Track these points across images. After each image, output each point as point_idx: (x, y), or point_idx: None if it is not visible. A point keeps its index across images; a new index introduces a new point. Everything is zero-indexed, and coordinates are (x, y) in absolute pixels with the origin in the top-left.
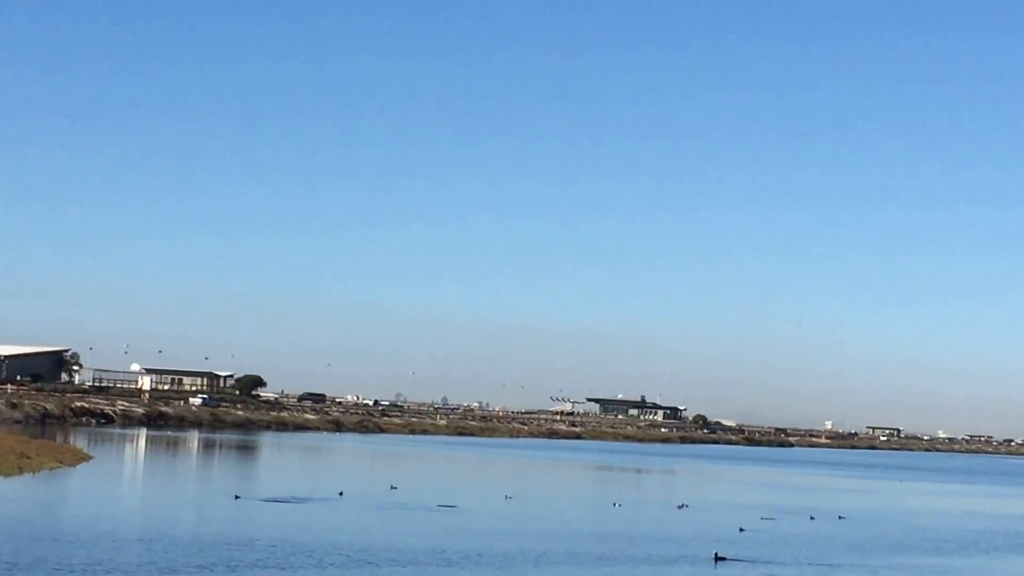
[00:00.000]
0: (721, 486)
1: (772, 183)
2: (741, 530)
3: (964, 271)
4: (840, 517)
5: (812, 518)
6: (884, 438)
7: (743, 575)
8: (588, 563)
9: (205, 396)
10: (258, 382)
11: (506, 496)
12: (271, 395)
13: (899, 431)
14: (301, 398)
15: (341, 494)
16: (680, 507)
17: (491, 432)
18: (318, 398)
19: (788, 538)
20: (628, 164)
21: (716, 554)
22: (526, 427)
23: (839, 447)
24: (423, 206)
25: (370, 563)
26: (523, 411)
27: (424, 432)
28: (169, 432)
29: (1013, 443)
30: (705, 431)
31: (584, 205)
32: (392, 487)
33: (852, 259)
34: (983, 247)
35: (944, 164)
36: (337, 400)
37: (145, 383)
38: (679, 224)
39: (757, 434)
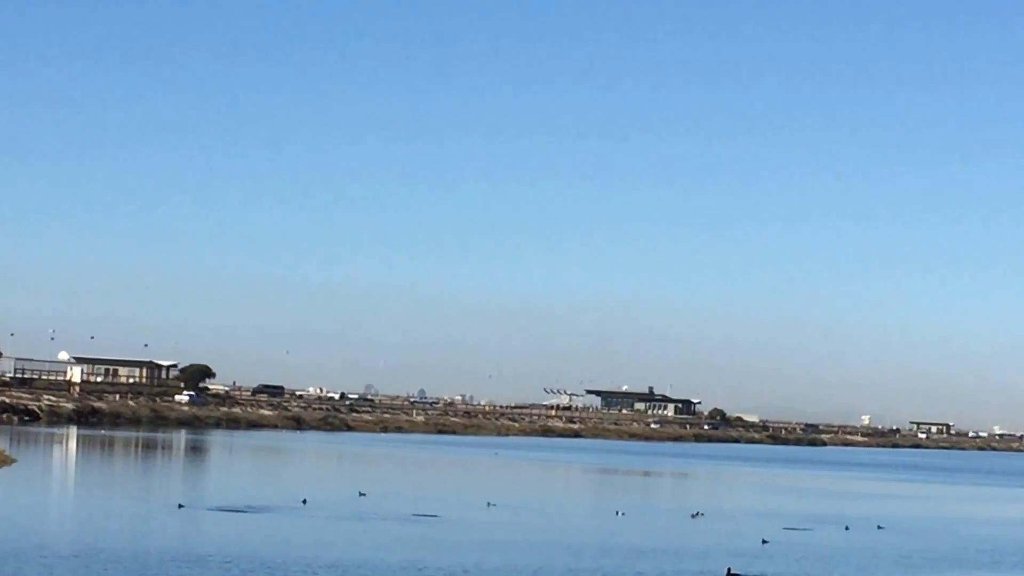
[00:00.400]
0: (742, 491)
1: (800, 140)
2: (764, 542)
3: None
4: (879, 527)
5: (847, 528)
6: (931, 435)
7: None
8: None
9: (192, 394)
10: (206, 373)
11: (488, 503)
12: (221, 388)
13: (949, 427)
14: (256, 391)
15: (304, 502)
16: (694, 516)
17: (476, 430)
18: (275, 391)
19: (818, 551)
20: (633, 119)
21: (729, 570)
22: (516, 424)
23: (878, 446)
24: (396, 170)
25: None
26: (513, 405)
27: (398, 430)
28: (103, 431)
29: None
30: (723, 428)
31: (582, 167)
32: (360, 494)
33: (895, 228)
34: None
35: (1006, 112)
36: (298, 393)
37: (75, 374)
38: (694, 189)
39: (784, 431)
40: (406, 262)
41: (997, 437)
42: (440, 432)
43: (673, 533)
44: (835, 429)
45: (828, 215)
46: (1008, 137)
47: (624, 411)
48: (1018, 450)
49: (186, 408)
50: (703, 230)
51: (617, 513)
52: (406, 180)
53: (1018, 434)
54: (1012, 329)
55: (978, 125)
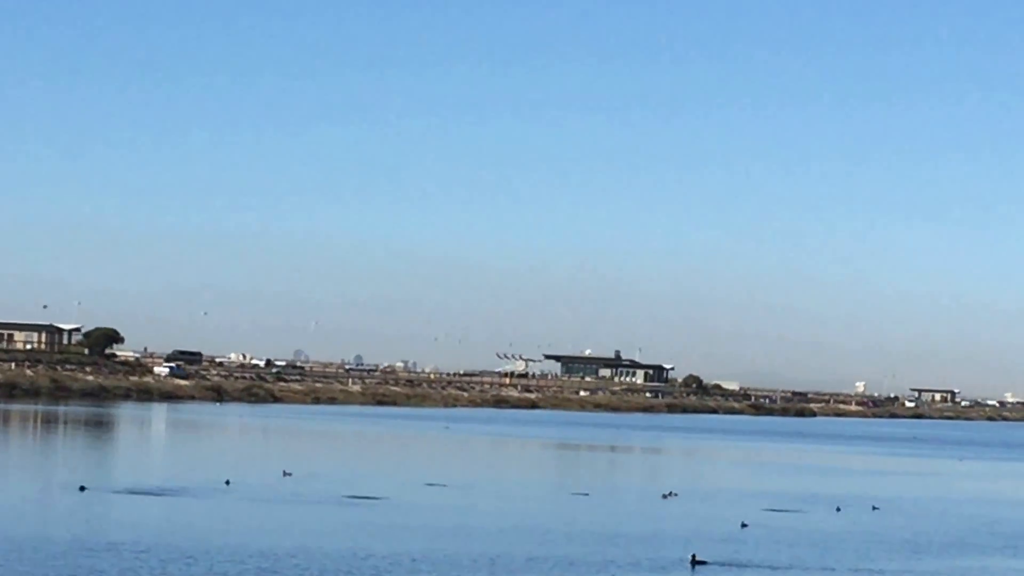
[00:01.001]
0: (720, 469)
1: (781, 69)
2: (743, 526)
3: None
4: (874, 508)
5: (838, 509)
6: (934, 404)
7: None
8: (541, 569)
9: (172, 365)
10: (113, 337)
11: (431, 484)
12: (131, 354)
13: (954, 394)
14: (170, 358)
15: (228, 483)
16: (666, 496)
17: (420, 400)
18: (193, 358)
19: (805, 536)
20: (593, 48)
21: (693, 557)
22: (466, 393)
23: (875, 416)
24: (325, 108)
25: (273, 572)
26: (462, 373)
27: (332, 401)
28: None
29: None
30: (699, 397)
31: (537, 105)
32: (284, 473)
33: (893, 171)
34: None
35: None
36: (218, 360)
37: None
38: (662, 125)
39: (767, 400)
40: (339, 211)
41: (1009, 406)
42: (379, 403)
43: (641, 516)
44: (826, 397)
45: (817, 156)
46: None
47: (587, 378)
48: None
49: (91, 378)
50: (674, 175)
51: (577, 495)
52: (334, 121)
53: None
54: None
55: (989, 62)
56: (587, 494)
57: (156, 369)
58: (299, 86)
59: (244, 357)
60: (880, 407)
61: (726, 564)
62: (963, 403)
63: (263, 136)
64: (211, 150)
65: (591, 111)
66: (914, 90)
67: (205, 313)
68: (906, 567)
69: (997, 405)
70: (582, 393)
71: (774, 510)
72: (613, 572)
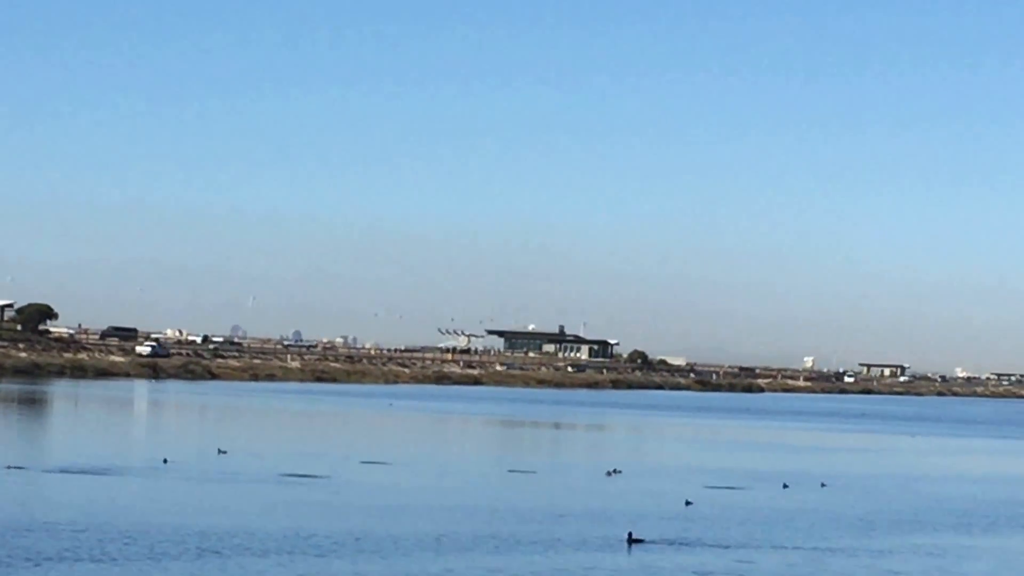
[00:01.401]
0: (665, 445)
1: (717, 38)
2: (687, 503)
3: (984, 152)
4: (823, 485)
5: (785, 486)
6: (884, 379)
7: (661, 562)
8: (487, 547)
9: (154, 344)
10: (47, 314)
11: (369, 461)
12: (64, 331)
13: (903, 369)
14: (105, 334)
15: (165, 461)
16: (610, 473)
17: (360, 377)
18: (128, 334)
19: (750, 513)
20: (531, 15)
21: (630, 535)
22: (407, 370)
23: (823, 391)
24: (259, 79)
25: (215, 552)
26: (403, 348)
27: (270, 378)
28: None
29: None
30: (645, 372)
31: (477, 73)
32: (220, 451)
33: (840, 141)
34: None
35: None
36: (153, 336)
37: None
38: (607, 96)
39: (714, 375)
40: (278, 185)
41: (959, 381)
42: (319, 380)
43: (585, 494)
44: (773, 373)
45: (762, 128)
46: (985, 53)
47: (531, 354)
48: (983, 395)
49: (24, 355)
50: (619, 148)
51: (511, 472)
52: (269, 91)
53: (983, 376)
54: (975, 257)
55: (932, 32)
56: (532, 471)
57: (138, 348)
58: (231, 57)
59: (181, 333)
60: (829, 382)
61: (665, 542)
62: (912, 378)
63: (200, 109)
64: (146, 122)
65: (536, 82)
66: (857, 62)
67: (141, 289)
68: (857, 544)
69: (947, 379)
70: (526, 369)
71: (719, 487)
72: (552, 550)
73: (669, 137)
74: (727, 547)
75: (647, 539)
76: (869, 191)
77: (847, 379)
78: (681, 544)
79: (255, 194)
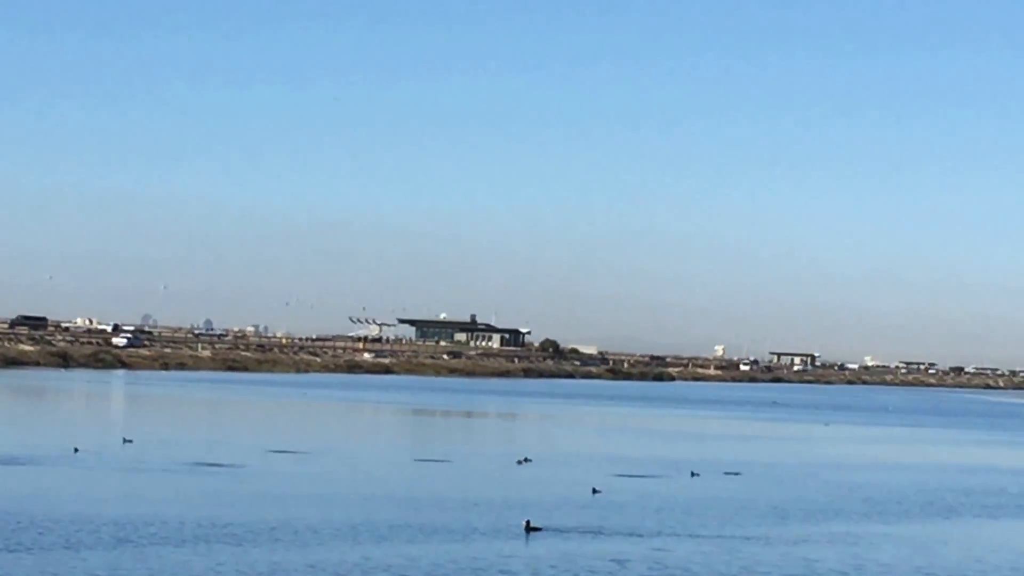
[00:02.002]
0: (576, 434)
1: (631, 28)
2: (594, 491)
3: (894, 143)
4: (733, 473)
5: (694, 474)
6: (794, 367)
7: (556, 550)
8: (403, 536)
9: (129, 336)
10: None
11: (282, 451)
12: None
13: (813, 357)
14: (13, 323)
15: (76, 451)
16: (521, 462)
17: (271, 366)
18: (37, 323)
19: (657, 501)
20: (442, 6)
21: (528, 523)
22: (318, 359)
23: (734, 380)
24: (172, 68)
25: (131, 542)
26: (314, 337)
27: (181, 367)
28: None
29: (964, 372)
30: (556, 361)
31: (394, 63)
32: (125, 440)
33: (751, 131)
34: (924, 107)
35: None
36: (63, 325)
37: None
38: (518, 86)
39: (626, 364)
40: (188, 171)
41: (868, 369)
42: (230, 369)
43: (494, 482)
44: (684, 361)
45: (674, 117)
46: (882, 36)
47: (443, 343)
48: (892, 383)
49: None
50: (529, 137)
51: (416, 460)
52: (182, 80)
53: (892, 365)
54: (884, 248)
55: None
56: (445, 460)
57: (114, 340)
58: (139, 46)
59: (91, 322)
60: (739, 371)
61: (565, 530)
62: (822, 366)
63: (108, 95)
64: (52, 109)
65: (445, 70)
66: (766, 52)
67: (50, 277)
68: (771, 532)
69: (857, 368)
70: (437, 358)
71: (629, 475)
72: (452, 539)
73: (580, 126)
74: (633, 535)
75: (547, 527)
76: (779, 181)
77: (743, 367)
78: (582, 532)
79: (165, 181)
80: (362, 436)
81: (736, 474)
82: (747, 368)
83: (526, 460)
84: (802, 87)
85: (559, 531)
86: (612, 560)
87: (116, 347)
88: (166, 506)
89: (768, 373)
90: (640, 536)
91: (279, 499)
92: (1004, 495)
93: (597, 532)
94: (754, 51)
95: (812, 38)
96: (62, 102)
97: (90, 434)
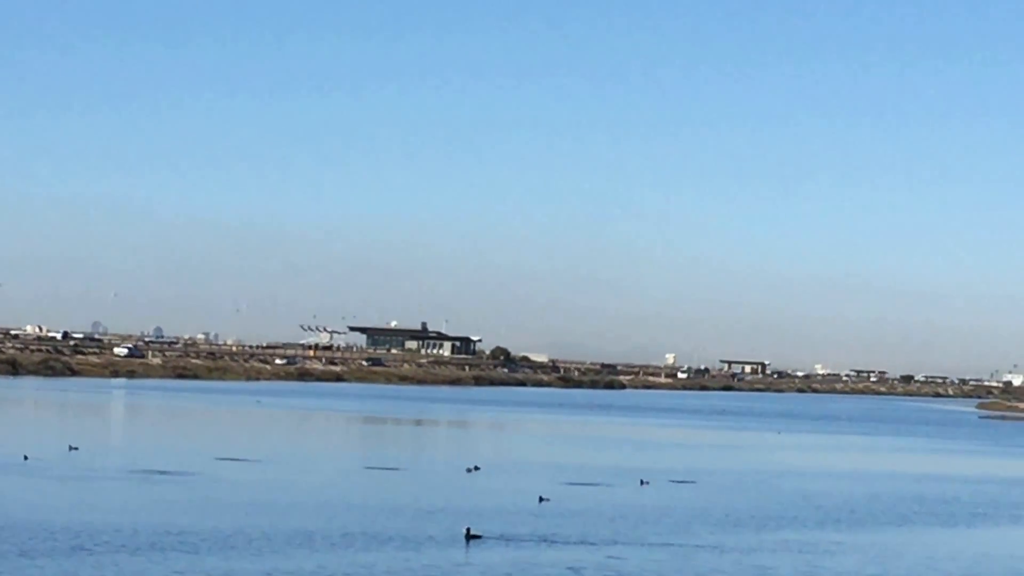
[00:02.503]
0: (526, 441)
1: (579, 41)
2: (541, 500)
3: (844, 151)
4: (682, 481)
5: (643, 483)
6: (745, 376)
7: (507, 558)
8: (357, 544)
9: (130, 346)
10: None
11: (234, 458)
12: None
13: (764, 365)
14: None
15: (26, 458)
16: (470, 470)
17: (222, 373)
18: None
19: (605, 509)
20: (391, 16)
21: (468, 531)
22: (268, 366)
23: (685, 388)
24: (120, 76)
25: (86, 550)
26: (264, 345)
27: (131, 374)
28: None
29: (914, 381)
30: (507, 369)
31: (342, 72)
32: (71, 447)
33: (699, 140)
34: (873, 116)
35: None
36: (12, 332)
37: None
38: (467, 94)
39: (576, 372)
40: (136, 177)
41: (819, 377)
42: (180, 376)
43: (443, 490)
44: (636, 370)
45: (625, 125)
46: (837, 42)
47: (393, 350)
48: (842, 391)
49: None
50: (480, 144)
51: (366, 468)
52: (128, 87)
53: (842, 374)
54: (835, 256)
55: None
56: (395, 468)
57: (116, 350)
58: (83, 55)
59: (40, 329)
60: (691, 379)
61: (506, 538)
62: (773, 374)
63: (55, 102)
64: (6, 114)
65: (396, 81)
66: (716, 63)
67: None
68: (724, 540)
69: (806, 376)
70: (388, 365)
71: (579, 483)
72: (392, 547)
73: (530, 136)
74: (584, 543)
75: (494, 535)
76: (730, 189)
77: (681, 375)
78: (523, 540)
79: (115, 187)
80: (314, 444)
81: (689, 482)
82: (746, 377)
83: (476, 468)
84: (749, 96)
85: (505, 539)
86: (568, 568)
87: (118, 356)
88: (120, 514)
89: (717, 381)
90: (592, 544)
91: (232, 507)
92: (956, 503)
93: (545, 540)
94: (698, 63)
95: (755, 51)
96: (17, 108)
97: (40, 442)
